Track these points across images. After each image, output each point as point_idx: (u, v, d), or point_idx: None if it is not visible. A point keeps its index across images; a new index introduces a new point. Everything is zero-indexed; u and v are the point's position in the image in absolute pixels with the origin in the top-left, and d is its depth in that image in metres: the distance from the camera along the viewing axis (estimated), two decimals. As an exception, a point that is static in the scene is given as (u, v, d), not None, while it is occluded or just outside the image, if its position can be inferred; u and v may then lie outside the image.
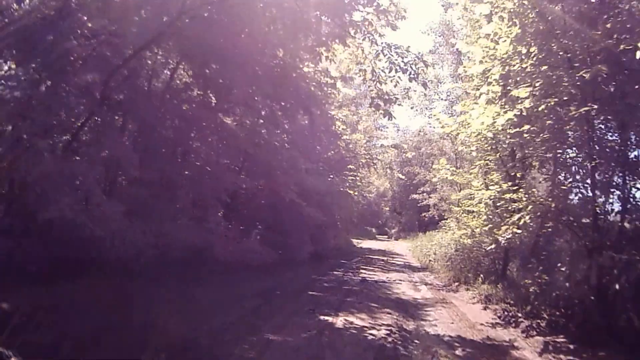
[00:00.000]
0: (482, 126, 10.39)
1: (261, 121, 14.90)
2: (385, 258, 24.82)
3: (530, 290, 9.41)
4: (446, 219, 26.32)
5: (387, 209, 65.84)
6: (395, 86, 11.58)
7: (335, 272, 15.72)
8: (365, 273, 16.29)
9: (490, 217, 11.62)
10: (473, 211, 13.75)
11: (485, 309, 10.46)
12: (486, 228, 11.45)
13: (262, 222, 18.80)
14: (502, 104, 9.77)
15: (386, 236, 61.27)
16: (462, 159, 24.19)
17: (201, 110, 12.71)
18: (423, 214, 37.75)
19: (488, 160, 12.94)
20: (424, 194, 36.44)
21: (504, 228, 9.79)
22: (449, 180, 27.17)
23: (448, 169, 18.78)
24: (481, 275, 12.96)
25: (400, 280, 14.98)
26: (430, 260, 19.94)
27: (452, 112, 22.20)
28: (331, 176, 20.47)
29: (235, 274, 11.67)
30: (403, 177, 32.00)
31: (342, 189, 20.53)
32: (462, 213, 14.54)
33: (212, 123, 13.24)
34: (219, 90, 13.25)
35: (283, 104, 14.16)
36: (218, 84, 12.80)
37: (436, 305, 10.87)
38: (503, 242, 10.15)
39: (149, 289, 7.79)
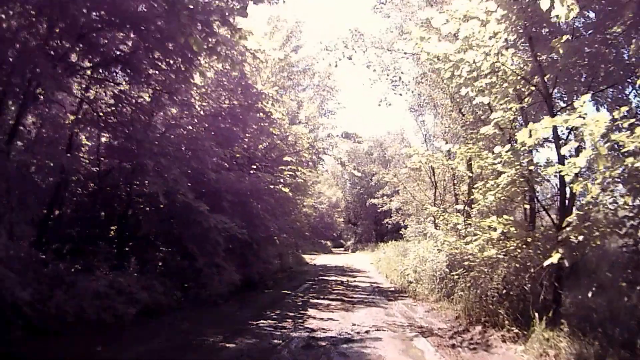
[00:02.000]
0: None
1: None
2: (344, 279, 18.24)
3: None
4: (421, 224, 20.31)
5: (342, 220, 59.83)
6: None
7: (262, 322, 8.91)
8: (315, 317, 9.59)
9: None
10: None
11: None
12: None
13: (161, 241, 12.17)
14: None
15: (342, 248, 55.14)
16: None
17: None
18: (385, 221, 31.62)
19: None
20: (384, 197, 30.42)
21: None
22: (424, 166, 21.22)
23: (424, 154, 12.88)
24: (532, 311, 6.66)
25: (377, 327, 8.37)
26: (409, 281, 13.58)
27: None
28: (254, 168, 13.92)
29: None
30: (359, 173, 25.74)
31: (275, 188, 13.92)
32: (476, 204, 8.50)
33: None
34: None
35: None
36: None
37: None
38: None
39: None
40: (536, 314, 6.31)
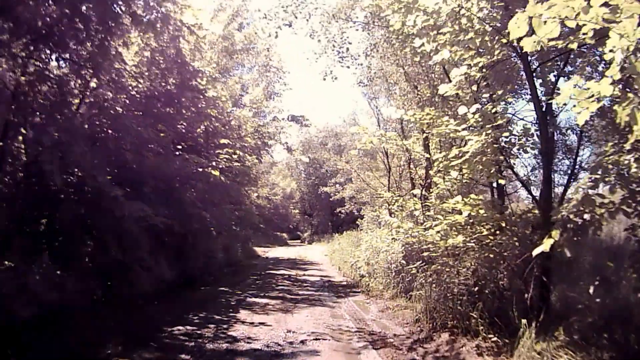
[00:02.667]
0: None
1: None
2: (294, 272, 16.47)
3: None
4: (376, 212, 18.79)
5: (297, 211, 58.11)
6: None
7: (179, 328, 7.01)
8: (245, 321, 7.74)
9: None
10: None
11: None
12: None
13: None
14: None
15: (299, 240, 53.36)
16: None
17: None
18: (338, 210, 30.04)
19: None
20: (337, 185, 28.81)
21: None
22: (377, 149, 19.66)
23: (374, 133, 11.34)
24: (513, 313, 5.07)
25: (317, 335, 6.63)
26: (361, 275, 11.95)
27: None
28: (180, 149, 11.84)
29: None
30: (306, 159, 24.06)
31: (205, 171, 11.86)
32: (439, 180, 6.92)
33: None
34: None
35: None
36: None
37: None
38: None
39: None
40: (523, 320, 4.70)
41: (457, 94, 7.27)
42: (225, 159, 12.97)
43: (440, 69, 11.45)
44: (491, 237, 6.16)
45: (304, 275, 15.65)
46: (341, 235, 28.06)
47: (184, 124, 12.87)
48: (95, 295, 8.56)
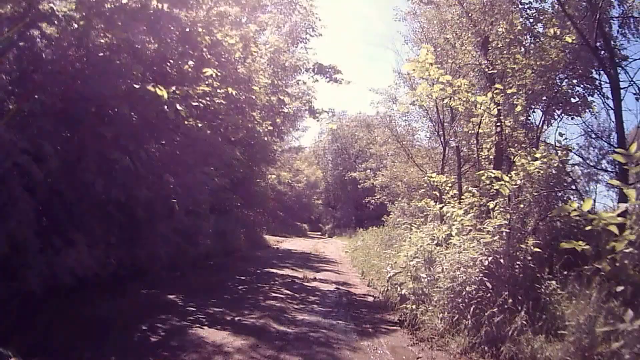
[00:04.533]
0: None
1: None
2: (302, 274, 11.66)
3: None
4: (418, 202, 13.99)
5: (320, 202, 53.61)
6: None
7: None
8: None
9: None
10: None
11: None
12: None
13: None
14: None
15: (320, 233, 48.85)
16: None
17: None
18: (367, 199, 25.19)
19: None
20: (368, 171, 23.98)
21: None
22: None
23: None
24: None
25: None
26: (402, 295, 7.15)
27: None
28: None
29: None
30: (334, 126, 19.38)
31: (147, 88, 7.22)
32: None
33: None
34: None
35: None
36: None
37: None
38: None
39: None
40: None
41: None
42: (201, 91, 8.21)
43: None
44: None
45: (315, 280, 10.95)
46: (366, 231, 23.31)
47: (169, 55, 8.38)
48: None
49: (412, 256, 6.87)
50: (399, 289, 6.89)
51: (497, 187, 6.69)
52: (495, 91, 9.23)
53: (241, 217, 18.25)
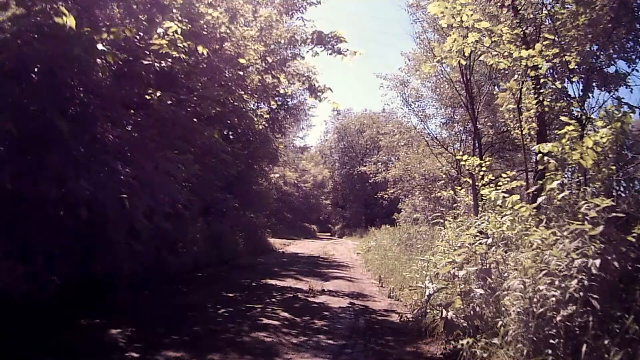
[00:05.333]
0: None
1: None
2: (307, 284, 9.42)
3: None
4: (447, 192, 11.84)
5: (328, 202, 51.45)
6: None
7: None
8: None
9: None
10: None
11: None
12: None
13: None
14: None
15: (329, 233, 46.72)
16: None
17: None
18: (379, 194, 22.92)
19: None
20: (378, 164, 21.76)
21: None
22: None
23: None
24: None
25: None
26: (446, 318, 4.99)
27: None
28: None
29: None
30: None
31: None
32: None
33: None
34: None
35: None
36: None
37: None
38: None
39: None
40: None
41: None
42: (168, 60, 6.09)
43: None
44: None
45: (323, 292, 8.75)
46: (378, 230, 21.07)
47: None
48: None
49: (461, 263, 4.64)
50: (443, 311, 4.66)
51: (575, 157, 4.52)
52: (545, 42, 7.09)
53: (240, 220, 16.12)
